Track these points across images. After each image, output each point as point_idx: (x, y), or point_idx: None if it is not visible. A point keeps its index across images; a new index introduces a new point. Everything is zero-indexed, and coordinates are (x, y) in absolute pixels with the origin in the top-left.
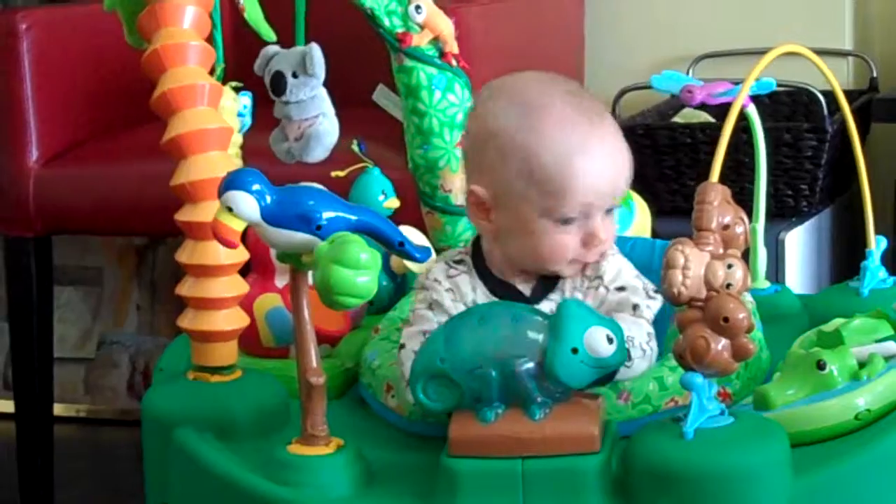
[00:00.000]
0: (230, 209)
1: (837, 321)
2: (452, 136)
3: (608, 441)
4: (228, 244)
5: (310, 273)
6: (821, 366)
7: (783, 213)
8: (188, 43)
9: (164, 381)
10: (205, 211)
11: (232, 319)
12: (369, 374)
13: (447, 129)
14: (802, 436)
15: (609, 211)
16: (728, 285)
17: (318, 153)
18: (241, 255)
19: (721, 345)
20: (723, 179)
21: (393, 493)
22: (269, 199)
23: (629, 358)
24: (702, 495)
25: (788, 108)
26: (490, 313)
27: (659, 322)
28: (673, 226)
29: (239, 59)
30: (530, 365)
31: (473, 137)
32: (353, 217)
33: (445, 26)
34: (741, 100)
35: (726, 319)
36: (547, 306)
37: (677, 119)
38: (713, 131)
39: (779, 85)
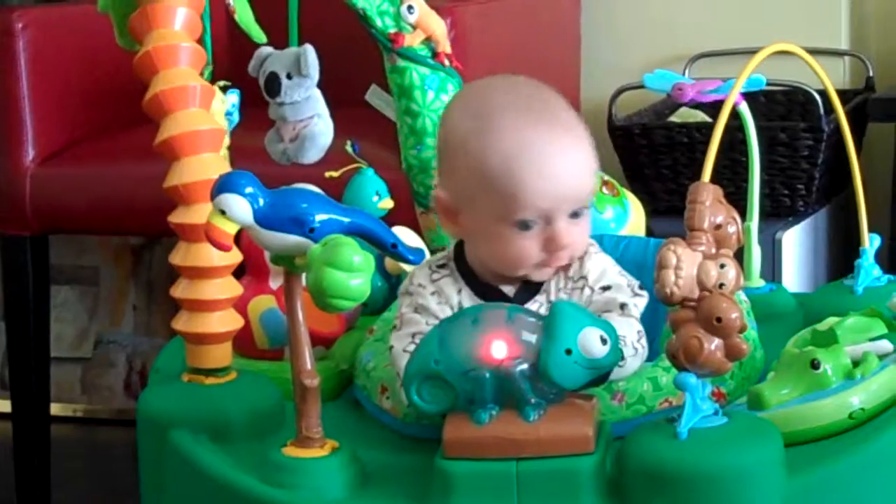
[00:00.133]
0: (223, 212)
1: (831, 320)
2: None
3: (602, 442)
4: (221, 247)
5: (303, 275)
6: (815, 365)
7: (780, 213)
8: (180, 44)
9: (160, 382)
10: (198, 213)
11: (226, 321)
12: (364, 375)
13: None
14: (797, 435)
15: (576, 214)
16: (721, 285)
17: (313, 154)
18: (235, 257)
19: (714, 345)
20: (718, 179)
21: (387, 495)
22: (261, 201)
23: (622, 358)
24: (696, 495)
25: (784, 107)
26: (484, 315)
27: (653, 322)
28: (670, 225)
29: (233, 60)
30: (524, 366)
31: (439, 143)
32: (346, 219)
33: (438, 26)
34: (733, 97)
35: (719, 319)
36: (532, 308)
37: (674, 118)
38: (709, 130)
39: (775, 84)
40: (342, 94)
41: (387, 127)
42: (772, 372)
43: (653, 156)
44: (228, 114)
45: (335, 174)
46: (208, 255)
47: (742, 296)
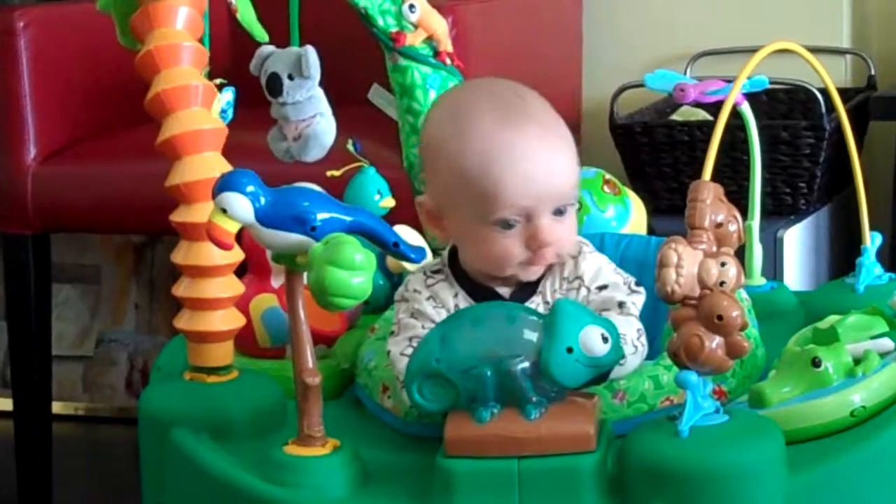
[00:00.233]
0: (224, 211)
1: (833, 318)
2: None
3: (604, 440)
4: (223, 246)
5: (305, 274)
6: (816, 363)
7: (781, 211)
8: (181, 44)
9: (161, 380)
10: (199, 212)
11: (228, 320)
12: (365, 374)
13: None
14: (798, 433)
15: (560, 212)
16: (722, 283)
17: (317, 153)
18: (237, 255)
19: (715, 343)
20: (719, 177)
21: (389, 494)
22: (263, 200)
23: (623, 356)
24: (697, 493)
25: (786, 105)
26: (485, 313)
27: (654, 321)
28: (671, 224)
29: (234, 59)
30: (525, 364)
31: (421, 147)
32: (348, 218)
33: (439, 25)
34: (733, 97)
35: (720, 317)
36: None
37: (675, 117)
38: (711, 129)
39: (776, 83)
40: (344, 93)
41: (388, 126)
42: (773, 370)
43: (654, 154)
44: (223, 111)
45: (337, 173)
46: (210, 254)
47: (743, 294)
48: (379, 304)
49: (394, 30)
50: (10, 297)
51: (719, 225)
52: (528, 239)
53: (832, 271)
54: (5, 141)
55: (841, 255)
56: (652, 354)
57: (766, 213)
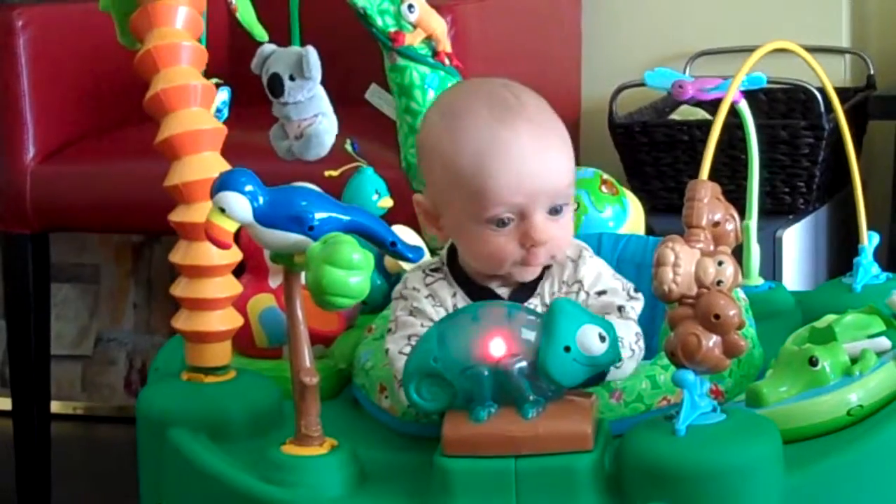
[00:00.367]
0: (223, 210)
1: (830, 317)
2: None
3: (601, 439)
4: (221, 245)
5: (303, 273)
6: (813, 362)
7: (780, 211)
8: (181, 43)
9: (159, 380)
10: (198, 212)
11: (226, 320)
12: (362, 374)
13: None
14: (795, 432)
15: (556, 211)
16: (719, 282)
17: (319, 151)
18: (235, 255)
19: (712, 341)
20: (718, 177)
21: (386, 494)
22: (261, 199)
23: (620, 357)
24: (695, 492)
25: (785, 105)
26: (483, 312)
27: (651, 320)
28: (670, 223)
29: (233, 58)
30: (523, 364)
31: (417, 147)
32: (346, 217)
33: (438, 25)
34: (731, 95)
35: (717, 316)
36: None
37: (674, 116)
38: (710, 128)
39: (775, 82)
40: (342, 93)
41: (387, 126)
42: (770, 369)
43: (653, 153)
44: (218, 110)
45: (335, 173)
46: (208, 254)
47: (740, 293)
48: (376, 303)
49: (392, 30)
50: (8, 296)
51: (716, 224)
52: (521, 237)
53: (831, 271)
54: (4, 140)
55: (840, 254)
56: (649, 354)
57: (765, 213)
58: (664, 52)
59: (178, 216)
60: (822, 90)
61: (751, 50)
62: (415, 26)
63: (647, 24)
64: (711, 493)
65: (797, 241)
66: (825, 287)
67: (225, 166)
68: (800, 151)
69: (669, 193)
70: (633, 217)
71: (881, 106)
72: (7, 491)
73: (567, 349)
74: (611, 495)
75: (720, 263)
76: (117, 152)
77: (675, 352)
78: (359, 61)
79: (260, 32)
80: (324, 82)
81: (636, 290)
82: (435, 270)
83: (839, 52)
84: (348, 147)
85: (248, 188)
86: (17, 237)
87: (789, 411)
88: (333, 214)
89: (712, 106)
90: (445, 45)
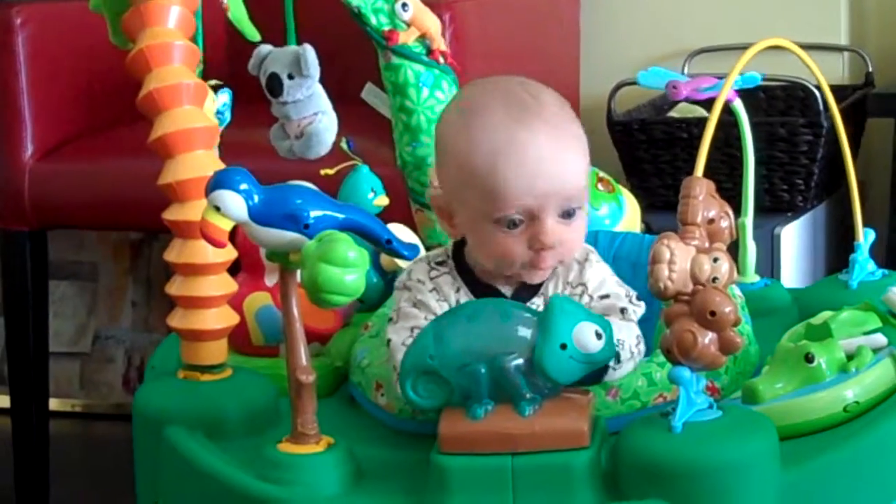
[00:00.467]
0: (218, 208)
1: (826, 314)
2: None
3: (597, 436)
4: (216, 243)
5: (298, 271)
6: (809, 359)
7: (778, 208)
8: (173, 42)
9: (155, 379)
10: (192, 210)
11: (221, 318)
12: (359, 372)
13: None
14: (791, 429)
15: (568, 214)
16: (714, 279)
17: (320, 150)
18: (230, 253)
19: (708, 338)
20: (715, 174)
21: (383, 491)
22: (256, 198)
23: (618, 360)
24: (691, 489)
25: (783, 102)
26: (479, 310)
27: (647, 318)
28: (668, 220)
29: (231, 58)
30: (519, 361)
31: (434, 144)
32: (341, 215)
33: (432, 23)
34: (724, 94)
35: (713, 313)
36: None
37: (673, 114)
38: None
39: (773, 79)
40: (337, 91)
41: (382, 124)
42: (766, 366)
43: (652, 151)
44: (219, 113)
45: (330, 171)
46: (203, 252)
47: (736, 290)
48: (372, 301)
49: (386, 28)
50: (6, 293)
51: (711, 221)
52: (530, 239)
53: (829, 268)
54: (2, 138)
55: (838, 251)
56: (646, 351)
57: (763, 211)
58: (663, 50)
59: (172, 214)
60: (821, 88)
61: (749, 47)
62: (409, 25)
63: (645, 21)
64: (708, 489)
65: (796, 239)
66: (821, 284)
67: (218, 164)
68: (798, 149)
69: (668, 191)
70: (629, 215)
71: (880, 103)
72: (5, 488)
73: (563, 346)
74: (607, 492)
75: (715, 260)
76: (116, 150)
77: (670, 349)
78: (354, 60)
79: (251, 32)
80: (321, 81)
81: (638, 298)
82: (440, 264)
83: (838, 49)
84: (344, 145)
85: (243, 186)
86: (15, 234)
87: (785, 408)
88: (329, 212)
89: (710, 104)
90: (440, 44)
